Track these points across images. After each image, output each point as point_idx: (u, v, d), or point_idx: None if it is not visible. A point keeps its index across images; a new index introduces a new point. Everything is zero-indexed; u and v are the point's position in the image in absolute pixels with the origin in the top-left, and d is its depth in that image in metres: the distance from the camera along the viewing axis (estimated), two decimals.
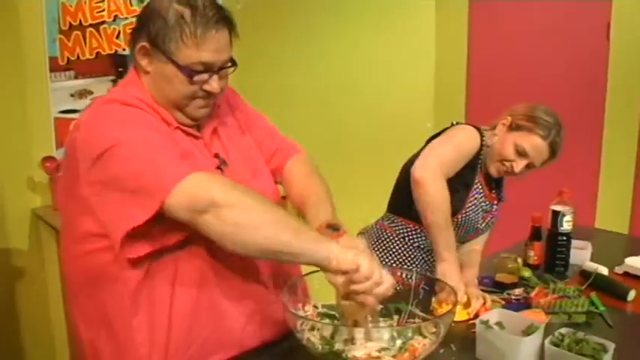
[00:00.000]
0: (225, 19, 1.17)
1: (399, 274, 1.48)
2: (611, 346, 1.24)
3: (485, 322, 1.31)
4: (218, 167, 1.24)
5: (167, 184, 1.02)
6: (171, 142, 1.14)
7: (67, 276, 1.26)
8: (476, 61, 3.59)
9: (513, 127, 1.73)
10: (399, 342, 1.12)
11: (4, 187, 2.79)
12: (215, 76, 1.18)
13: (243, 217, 1.04)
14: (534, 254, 1.91)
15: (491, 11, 3.50)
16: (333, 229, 1.26)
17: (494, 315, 1.36)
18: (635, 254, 1.92)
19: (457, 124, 1.82)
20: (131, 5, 3.08)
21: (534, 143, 1.69)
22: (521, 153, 1.70)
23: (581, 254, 1.93)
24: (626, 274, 1.85)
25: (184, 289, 1.16)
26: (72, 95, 2.93)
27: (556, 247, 1.87)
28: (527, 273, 1.82)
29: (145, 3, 1.22)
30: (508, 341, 1.26)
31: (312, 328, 1.14)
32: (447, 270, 1.58)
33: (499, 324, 1.31)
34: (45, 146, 2.87)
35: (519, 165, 1.71)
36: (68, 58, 2.89)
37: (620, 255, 1.96)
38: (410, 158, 1.89)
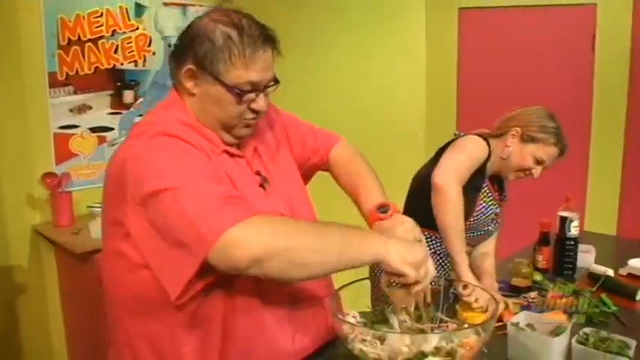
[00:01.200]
0: (269, 38, 1.19)
1: None
2: (632, 343, 1.32)
3: (517, 325, 1.37)
4: (260, 185, 1.26)
5: (208, 241, 1.00)
6: (217, 182, 1.11)
7: (114, 299, 1.24)
8: (466, 70, 3.69)
9: (526, 139, 1.86)
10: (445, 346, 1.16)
11: (4, 203, 2.77)
12: (261, 95, 1.20)
13: (286, 264, 1.03)
14: (543, 258, 1.99)
15: (481, 21, 3.61)
16: (383, 210, 1.34)
17: (522, 317, 1.42)
18: (633, 256, 2.02)
19: (461, 134, 1.92)
20: (129, 20, 3.10)
21: (550, 152, 1.87)
22: (540, 162, 1.86)
23: (586, 257, 2.02)
24: (630, 275, 1.94)
25: (235, 316, 1.17)
26: (71, 110, 2.93)
27: (564, 251, 1.96)
28: (538, 277, 1.89)
29: (186, 27, 1.21)
30: (540, 342, 1.33)
31: (363, 340, 1.18)
32: (461, 271, 1.67)
33: (530, 326, 1.38)
34: (44, 162, 2.86)
35: (538, 171, 1.87)
36: (67, 74, 2.89)
37: (616, 257, 2.06)
38: (420, 170, 2.00)
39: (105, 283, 1.25)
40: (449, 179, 1.70)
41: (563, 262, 1.96)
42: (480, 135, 1.88)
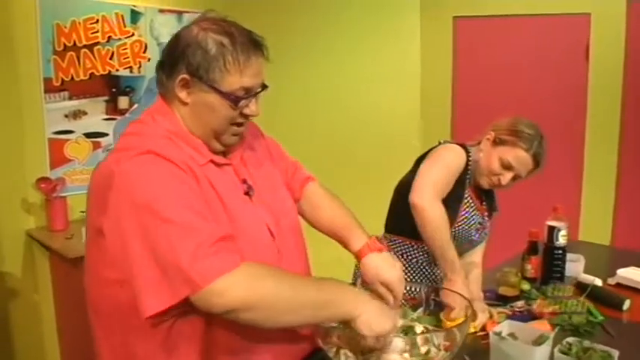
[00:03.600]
0: (259, 44, 1.20)
1: (407, 288, 1.56)
2: (615, 353, 1.32)
3: (499, 334, 1.37)
4: (246, 193, 1.27)
5: (195, 286, 1.01)
6: (206, 216, 1.10)
7: (97, 311, 1.24)
8: (461, 79, 3.71)
9: (497, 142, 1.82)
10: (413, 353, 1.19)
11: None
12: (253, 100, 1.22)
13: (260, 317, 1.07)
14: (531, 267, 1.99)
15: (475, 30, 3.63)
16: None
17: (505, 327, 1.42)
18: (624, 266, 2.02)
19: (444, 142, 1.91)
20: (124, 26, 3.12)
21: (518, 156, 1.78)
22: (506, 166, 1.80)
23: (574, 267, 2.02)
24: (619, 284, 1.94)
25: (215, 334, 1.18)
26: (66, 116, 2.95)
27: (552, 260, 1.96)
28: (526, 286, 1.89)
29: (173, 37, 1.22)
30: (522, 351, 1.33)
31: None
32: (454, 286, 1.64)
33: (512, 335, 1.38)
34: (39, 167, 2.87)
35: (506, 177, 1.81)
36: (62, 79, 2.90)
37: (607, 266, 2.06)
38: (401, 179, 1.97)
39: (87, 295, 1.25)
40: (426, 199, 1.68)
41: (551, 271, 1.97)
42: (461, 144, 1.87)
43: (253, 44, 1.19)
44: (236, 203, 1.22)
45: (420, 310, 1.50)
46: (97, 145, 3.08)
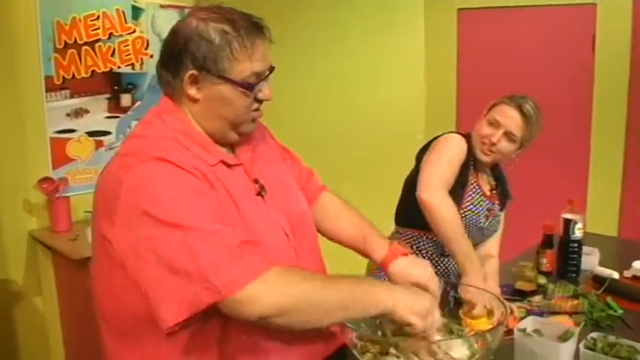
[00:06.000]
0: (261, 27, 1.16)
1: None
2: None
3: (523, 330, 1.35)
4: (258, 193, 1.23)
5: (221, 295, 0.97)
6: (224, 221, 1.06)
7: (107, 317, 1.18)
8: (465, 71, 3.68)
9: (487, 113, 1.85)
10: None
11: (0, 209, 2.74)
12: (265, 84, 1.18)
13: (293, 321, 1.04)
14: (547, 261, 1.97)
15: (480, 21, 3.60)
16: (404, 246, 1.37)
17: (529, 323, 1.40)
18: (636, 257, 2.00)
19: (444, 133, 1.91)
20: (126, 23, 3.07)
21: (502, 110, 1.80)
22: (493, 123, 1.80)
23: (590, 260, 2.00)
24: (635, 277, 1.92)
25: (232, 344, 1.13)
26: (68, 115, 2.91)
27: (568, 253, 1.94)
28: (542, 280, 1.87)
29: (170, 33, 1.16)
30: (548, 348, 1.30)
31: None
32: (470, 280, 1.62)
33: (537, 331, 1.35)
34: (41, 167, 2.83)
35: (496, 135, 1.80)
36: (63, 77, 2.86)
37: (620, 258, 2.04)
38: (410, 173, 1.96)
39: (95, 298, 1.19)
40: (434, 195, 1.68)
41: (567, 265, 1.95)
42: (462, 133, 1.88)
43: (256, 27, 1.14)
44: (249, 205, 1.18)
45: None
46: (99, 144, 3.04)
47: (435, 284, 1.32)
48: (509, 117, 1.79)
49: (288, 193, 1.33)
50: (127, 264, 1.04)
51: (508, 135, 1.80)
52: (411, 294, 1.16)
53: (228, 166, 1.19)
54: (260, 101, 1.19)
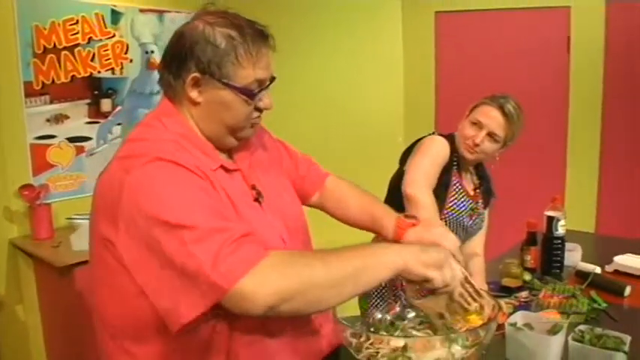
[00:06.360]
0: (266, 35, 1.17)
1: None
2: (627, 339, 1.34)
3: (514, 325, 1.38)
4: (256, 199, 1.23)
5: (222, 290, 0.96)
6: (224, 216, 1.06)
7: (104, 323, 1.17)
8: (443, 74, 3.73)
9: (468, 115, 1.91)
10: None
11: None
12: (266, 92, 1.19)
13: (302, 304, 1.01)
14: (531, 258, 2.01)
15: (457, 24, 3.65)
16: (410, 218, 1.38)
17: (519, 317, 1.43)
18: (615, 253, 2.06)
19: (429, 134, 1.96)
20: (105, 27, 3.05)
21: (483, 111, 1.85)
22: (476, 124, 1.86)
23: (572, 256, 2.05)
24: (616, 271, 1.97)
25: (237, 345, 1.13)
26: (48, 120, 2.87)
27: (552, 250, 1.98)
28: (527, 277, 1.91)
29: (175, 35, 1.16)
30: (538, 341, 1.34)
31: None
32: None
33: (528, 325, 1.38)
34: (21, 174, 2.79)
35: (479, 136, 1.85)
36: (43, 83, 2.82)
37: (600, 254, 2.10)
38: (395, 174, 2.00)
39: (94, 305, 1.18)
40: (418, 188, 1.72)
41: (551, 261, 1.99)
42: (445, 135, 1.92)
43: (261, 35, 1.15)
44: (247, 211, 1.18)
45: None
46: (80, 150, 3.01)
47: (448, 240, 1.32)
48: (492, 117, 1.83)
49: (284, 198, 1.34)
50: (133, 266, 1.03)
51: (491, 135, 1.84)
52: (418, 248, 1.13)
53: (227, 171, 1.19)
54: (260, 110, 1.20)
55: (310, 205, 1.54)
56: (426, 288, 1.14)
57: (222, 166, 1.18)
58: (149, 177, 1.04)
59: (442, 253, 1.13)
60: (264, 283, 0.96)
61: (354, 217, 1.49)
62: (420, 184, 1.73)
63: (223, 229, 1.00)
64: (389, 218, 1.43)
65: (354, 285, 1.05)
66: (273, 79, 1.20)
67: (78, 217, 2.76)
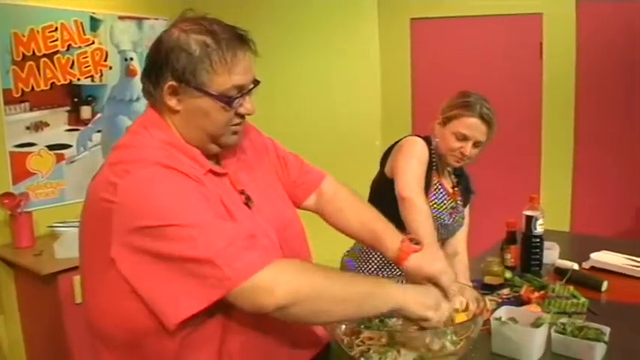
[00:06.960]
0: (245, 39, 1.15)
1: None
2: (607, 330, 1.40)
3: (499, 319, 1.43)
4: (245, 204, 1.21)
5: (232, 283, 0.97)
6: (226, 219, 1.09)
7: (105, 330, 1.15)
8: (420, 79, 3.80)
9: (445, 122, 1.93)
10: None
11: None
12: (247, 97, 1.17)
13: (309, 312, 1.05)
14: (511, 256, 2.07)
15: (432, 31, 3.73)
16: (414, 242, 1.37)
17: (503, 312, 1.48)
18: (591, 251, 2.13)
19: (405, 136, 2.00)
20: (84, 34, 3.04)
21: (468, 124, 1.88)
22: (462, 138, 1.89)
23: (551, 254, 2.12)
24: (593, 268, 2.05)
25: (231, 337, 1.14)
26: (27, 128, 2.85)
27: (531, 248, 2.04)
28: (508, 274, 1.97)
29: (155, 43, 1.15)
30: (522, 334, 1.39)
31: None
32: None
33: (512, 319, 1.44)
34: (1, 182, 2.76)
35: (467, 148, 1.89)
36: (22, 90, 2.80)
37: (576, 251, 2.17)
38: (376, 177, 2.05)
39: (88, 314, 1.17)
40: (414, 191, 1.76)
41: (530, 259, 2.05)
42: (422, 136, 1.96)
43: (239, 39, 1.13)
44: (240, 214, 1.17)
45: None
46: (60, 158, 2.99)
47: (446, 277, 1.32)
48: (475, 128, 1.87)
49: (274, 200, 1.33)
50: (129, 268, 1.04)
51: (477, 144, 1.90)
52: (420, 289, 1.22)
53: (217, 175, 1.19)
54: (242, 115, 1.19)
55: (305, 209, 1.51)
56: (420, 325, 1.21)
57: (210, 171, 1.18)
58: (147, 181, 1.04)
59: (439, 293, 1.23)
60: (282, 281, 1.00)
61: (354, 230, 1.46)
62: (414, 187, 1.77)
63: (229, 228, 1.03)
64: (392, 239, 1.38)
65: (357, 307, 1.11)
66: (257, 83, 1.19)
67: (59, 224, 2.75)
